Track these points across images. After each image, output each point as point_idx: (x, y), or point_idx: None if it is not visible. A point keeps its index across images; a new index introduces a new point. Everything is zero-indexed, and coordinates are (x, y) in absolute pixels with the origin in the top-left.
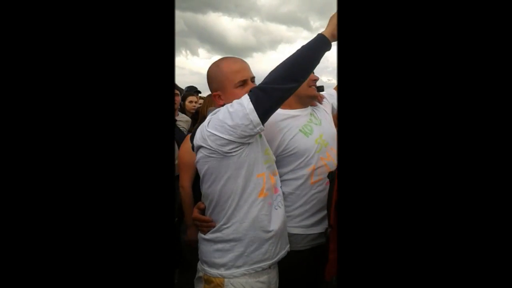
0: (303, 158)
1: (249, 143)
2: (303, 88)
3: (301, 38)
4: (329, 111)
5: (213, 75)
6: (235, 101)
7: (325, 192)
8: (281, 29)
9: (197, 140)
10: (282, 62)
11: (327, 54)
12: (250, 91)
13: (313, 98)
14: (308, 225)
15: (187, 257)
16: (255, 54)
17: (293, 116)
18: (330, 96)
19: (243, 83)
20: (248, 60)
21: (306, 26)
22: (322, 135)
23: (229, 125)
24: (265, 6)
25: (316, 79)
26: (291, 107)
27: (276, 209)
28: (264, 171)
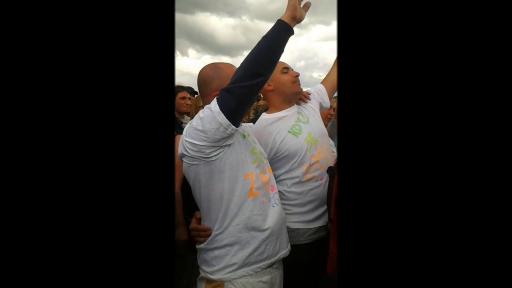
0: (295, 159)
1: (229, 145)
2: (287, 86)
3: None
4: (317, 108)
5: (214, 75)
6: (206, 106)
7: (321, 188)
8: (270, 27)
9: (180, 148)
10: (246, 58)
11: (316, 50)
12: (218, 94)
13: (298, 94)
14: (307, 220)
15: (179, 252)
16: (245, 53)
17: (281, 118)
18: (318, 92)
19: None
20: (239, 59)
21: None
22: (310, 133)
23: (201, 131)
24: (254, 5)
25: (297, 75)
26: (277, 108)
27: (274, 206)
28: (252, 171)
